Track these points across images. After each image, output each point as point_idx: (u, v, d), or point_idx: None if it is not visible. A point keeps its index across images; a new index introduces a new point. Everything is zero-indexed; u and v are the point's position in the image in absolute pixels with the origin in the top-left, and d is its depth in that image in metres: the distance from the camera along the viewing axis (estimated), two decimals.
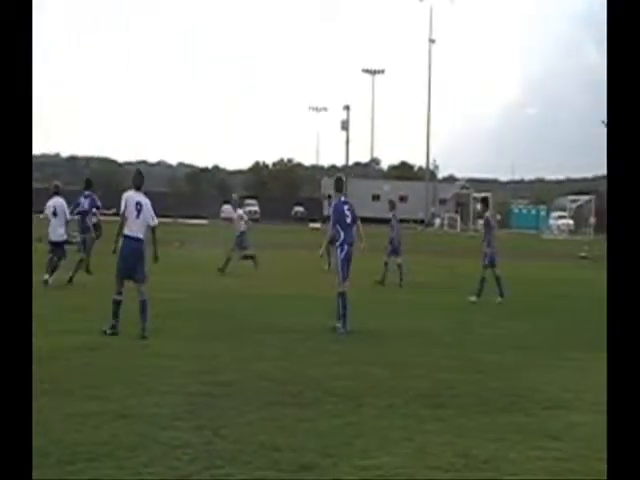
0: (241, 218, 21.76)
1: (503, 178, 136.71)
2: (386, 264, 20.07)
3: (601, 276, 19.23)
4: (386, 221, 21.73)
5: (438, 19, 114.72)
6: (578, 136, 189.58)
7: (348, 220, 12.24)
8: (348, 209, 12.33)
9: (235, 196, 25.28)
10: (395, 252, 20.24)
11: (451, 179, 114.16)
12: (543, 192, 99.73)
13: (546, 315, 15.29)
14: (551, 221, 73.07)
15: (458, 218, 77.61)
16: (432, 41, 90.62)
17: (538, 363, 10.03)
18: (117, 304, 10.74)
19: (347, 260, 12.29)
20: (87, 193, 19.30)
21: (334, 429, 6.67)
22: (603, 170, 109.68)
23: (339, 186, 13.06)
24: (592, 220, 60.06)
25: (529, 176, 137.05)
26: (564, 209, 73.74)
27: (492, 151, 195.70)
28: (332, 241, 12.64)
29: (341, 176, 13.66)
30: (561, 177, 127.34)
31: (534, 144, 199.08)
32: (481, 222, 20.62)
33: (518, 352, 10.81)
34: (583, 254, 36.96)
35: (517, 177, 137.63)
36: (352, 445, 6.22)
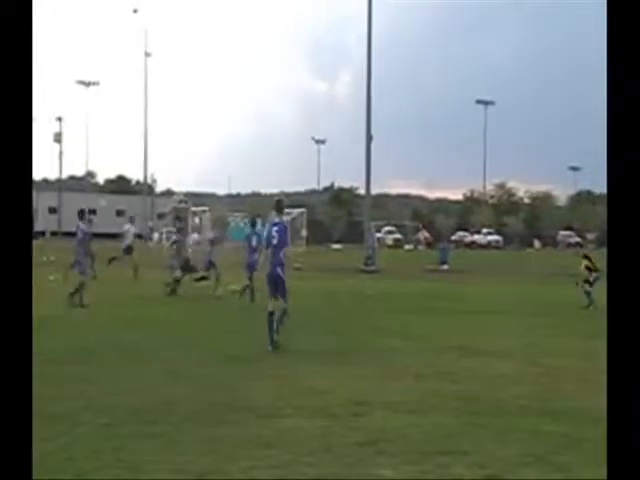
0: None
1: (221, 192, 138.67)
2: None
3: (314, 285, 20.05)
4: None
5: (153, 32, 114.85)
6: (291, 152, 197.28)
7: (274, 241, 12.47)
8: (276, 231, 12.48)
9: None
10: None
11: (169, 193, 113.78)
12: (259, 206, 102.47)
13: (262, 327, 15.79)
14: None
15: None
16: (148, 54, 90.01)
17: (253, 373, 10.38)
18: None
19: (268, 278, 12.57)
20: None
21: (45, 453, 6.45)
22: (315, 185, 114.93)
23: (279, 207, 13.01)
24: (304, 232, 62.72)
25: (245, 190, 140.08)
26: None
27: (210, 165, 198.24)
28: None
29: (281, 198, 13.44)
30: (275, 191, 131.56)
31: (250, 159, 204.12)
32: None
33: (232, 364, 11.09)
34: (297, 265, 38.56)
35: (234, 191, 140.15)
36: (64, 471, 6.08)
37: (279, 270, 12.48)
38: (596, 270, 21.74)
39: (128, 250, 29.32)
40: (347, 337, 14.26)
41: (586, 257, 22.57)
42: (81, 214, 19.08)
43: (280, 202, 13.14)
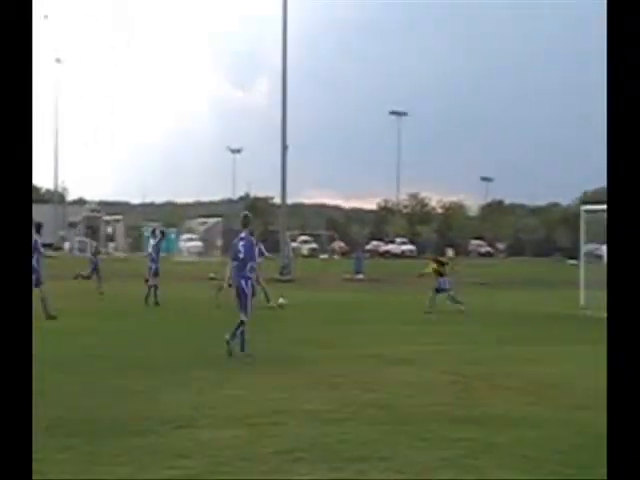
0: None
1: (134, 201, 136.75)
2: None
3: (230, 295, 19.82)
4: None
5: (64, 38, 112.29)
6: (206, 161, 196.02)
7: (240, 255, 12.90)
8: (242, 245, 12.97)
9: None
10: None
11: (81, 202, 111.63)
12: (174, 215, 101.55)
13: (172, 335, 15.68)
14: (181, 243, 74.59)
15: (89, 241, 76.23)
16: (58, 61, 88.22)
17: (168, 384, 10.30)
18: None
19: (235, 291, 13.09)
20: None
21: None
22: (230, 194, 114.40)
23: (246, 222, 13.53)
24: (219, 242, 62.47)
25: (160, 199, 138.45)
26: (193, 231, 75.71)
27: (123, 174, 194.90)
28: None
29: (247, 213, 14.05)
30: (190, 200, 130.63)
31: (165, 168, 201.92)
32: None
33: (148, 374, 10.99)
34: (212, 275, 38.32)
35: (148, 200, 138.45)
36: None
37: (243, 283, 12.91)
38: (442, 274, 22.45)
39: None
40: (264, 346, 14.26)
41: (437, 261, 23.19)
42: (37, 227, 18.57)
43: (246, 217, 13.64)
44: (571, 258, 64.09)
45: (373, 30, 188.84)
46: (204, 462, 6.65)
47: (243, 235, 13.18)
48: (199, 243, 72.34)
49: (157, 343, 14.62)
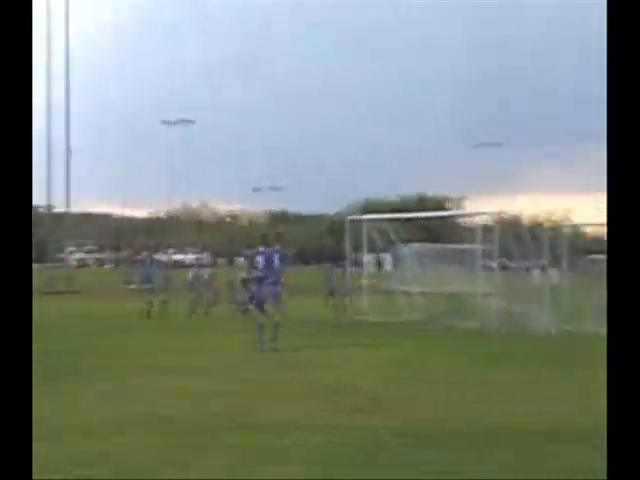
0: None
1: None
2: None
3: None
4: None
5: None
6: None
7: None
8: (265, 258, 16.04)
9: None
10: None
11: None
12: None
13: None
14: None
15: None
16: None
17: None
18: None
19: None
20: None
21: None
22: None
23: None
24: None
25: None
26: None
27: None
28: None
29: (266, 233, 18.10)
30: None
31: None
32: None
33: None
34: None
35: None
36: None
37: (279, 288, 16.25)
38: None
39: None
40: (51, 357, 13.62)
41: None
42: None
43: (265, 236, 17.15)
44: (340, 267, 66.29)
45: (154, 32, 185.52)
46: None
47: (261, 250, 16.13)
48: None
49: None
